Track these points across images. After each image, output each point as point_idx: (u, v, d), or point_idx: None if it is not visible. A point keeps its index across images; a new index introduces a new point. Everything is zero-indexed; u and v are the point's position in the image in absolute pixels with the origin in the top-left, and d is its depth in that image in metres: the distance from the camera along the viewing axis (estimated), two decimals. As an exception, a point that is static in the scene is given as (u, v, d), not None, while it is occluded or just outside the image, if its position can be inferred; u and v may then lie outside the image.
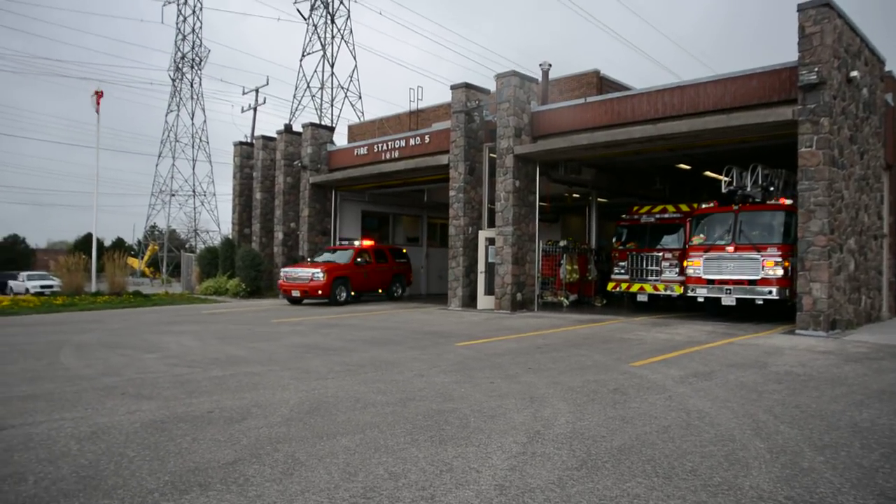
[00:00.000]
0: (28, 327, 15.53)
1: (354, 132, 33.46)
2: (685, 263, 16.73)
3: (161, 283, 55.73)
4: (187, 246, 70.50)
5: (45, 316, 18.73)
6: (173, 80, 74.25)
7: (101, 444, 5.51)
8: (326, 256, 23.32)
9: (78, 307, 20.86)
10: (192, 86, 74.14)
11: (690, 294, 16.32)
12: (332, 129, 28.80)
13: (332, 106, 58.78)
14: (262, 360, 10.06)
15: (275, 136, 29.17)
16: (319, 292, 21.08)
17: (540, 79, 20.02)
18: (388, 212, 30.05)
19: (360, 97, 59.82)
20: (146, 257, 74.62)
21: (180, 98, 74.25)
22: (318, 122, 53.93)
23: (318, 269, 21.31)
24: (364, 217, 29.00)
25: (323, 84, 58.60)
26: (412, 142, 23.14)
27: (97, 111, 26.78)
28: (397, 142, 23.67)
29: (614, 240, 20.16)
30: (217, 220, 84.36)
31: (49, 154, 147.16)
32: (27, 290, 38.73)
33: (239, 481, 4.56)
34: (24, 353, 10.93)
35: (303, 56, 60.10)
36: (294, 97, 60.28)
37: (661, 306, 19.21)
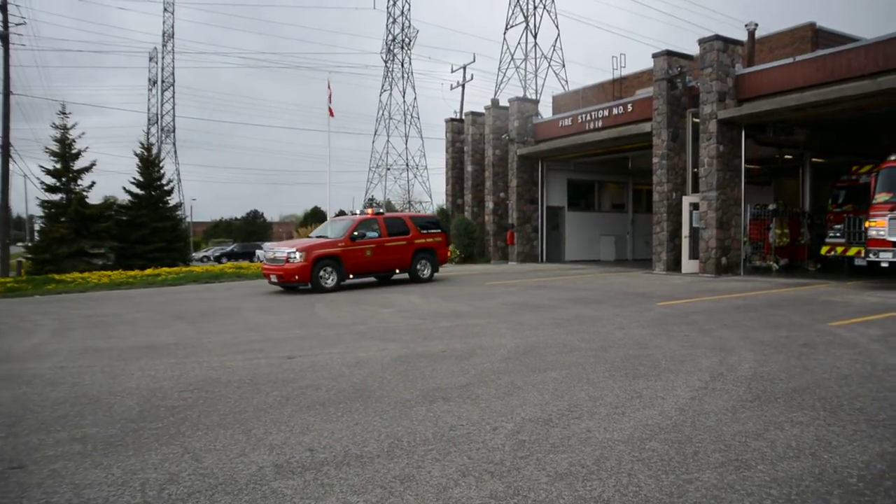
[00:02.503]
0: (281, 288, 18.48)
1: (558, 103, 34.28)
2: (866, 224, 15.55)
3: (381, 251, 60.29)
4: (405, 217, 75.24)
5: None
6: (385, 62, 78.81)
7: (365, 369, 7.20)
8: (321, 230, 19.52)
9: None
10: (402, 66, 78.21)
11: (872, 258, 15.15)
12: (536, 102, 29.93)
13: (535, 76, 59.73)
14: (481, 315, 11.59)
15: (482, 111, 30.83)
16: (296, 277, 16.32)
17: (745, 40, 19.66)
18: (592, 179, 30.74)
19: (564, 65, 60.14)
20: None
21: (392, 78, 78.71)
22: (522, 93, 55.22)
23: (294, 249, 16.61)
24: (570, 185, 29.92)
25: (526, 55, 59.68)
26: (615, 111, 23.63)
27: (329, 104, 29.91)
28: (600, 112, 24.27)
29: (829, 202, 19.43)
30: (429, 191, 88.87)
31: (280, 137, 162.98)
32: (272, 258, 44.17)
33: (472, 397, 5.97)
34: (289, 307, 13.41)
35: (506, 29, 61.49)
36: (499, 70, 61.96)
37: (882, 271, 18.29)
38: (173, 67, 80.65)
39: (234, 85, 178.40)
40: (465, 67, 45.18)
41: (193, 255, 53.58)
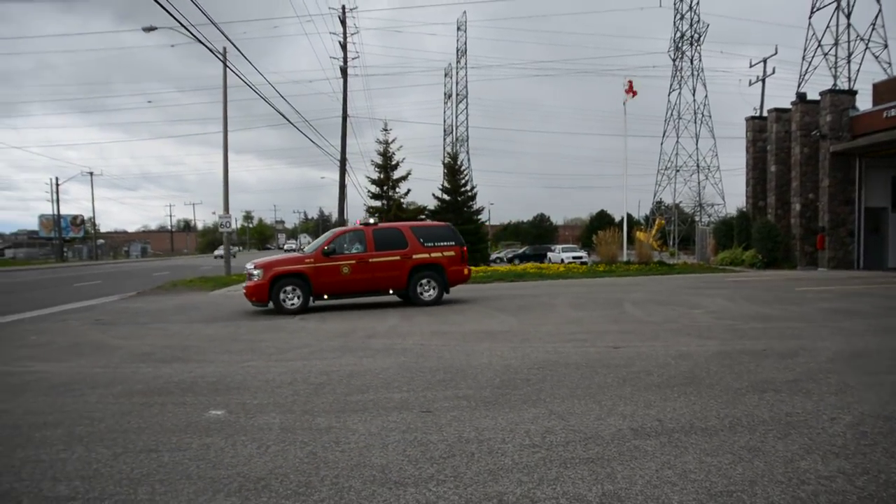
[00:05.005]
0: (584, 287, 19.43)
1: (880, 90, 30.92)
2: None
3: (670, 255, 59.02)
4: (697, 220, 72.66)
5: (593, 279, 22.92)
6: (673, 60, 76.74)
7: (689, 361, 7.74)
8: (313, 244, 17.27)
9: (615, 273, 24.79)
10: (691, 63, 75.63)
11: None
12: (853, 94, 27.55)
13: (848, 62, 54.02)
14: (795, 318, 11.43)
15: (788, 106, 29.10)
16: (254, 297, 14.87)
17: None
18: (924, 176, 27.48)
19: (886, 45, 53.27)
20: (654, 231, 79.28)
21: (681, 77, 76.41)
22: (832, 82, 50.50)
23: (254, 267, 15.08)
24: (895, 183, 27.06)
25: (837, 39, 54.21)
26: (955, 99, 21.03)
27: (626, 101, 30.35)
28: (935, 101, 21.75)
29: None
30: (722, 193, 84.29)
31: (565, 142, 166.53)
32: (562, 260, 45.56)
33: (802, 391, 6.24)
34: (599, 305, 14.31)
35: (812, 12, 56.40)
36: (803, 59, 56.97)
37: None
38: (466, 81, 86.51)
39: (520, 93, 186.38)
40: (765, 61, 42.87)
41: (488, 256, 57.03)
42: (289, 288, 14.80)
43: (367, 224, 16.14)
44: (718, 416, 5.39)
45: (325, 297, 15.22)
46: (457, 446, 4.78)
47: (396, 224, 17.57)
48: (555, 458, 4.46)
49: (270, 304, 14.85)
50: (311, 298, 15.08)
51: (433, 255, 15.78)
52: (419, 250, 15.67)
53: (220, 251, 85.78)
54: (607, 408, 5.71)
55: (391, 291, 15.76)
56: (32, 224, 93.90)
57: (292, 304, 14.76)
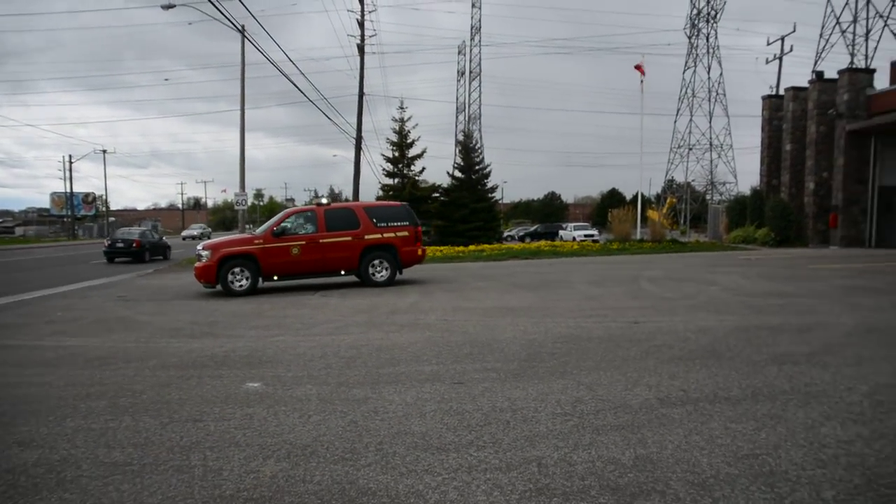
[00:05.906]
0: (600, 265, 19.60)
1: (898, 69, 30.84)
2: None
3: (681, 233, 58.95)
4: (709, 198, 72.50)
5: (607, 257, 23.12)
6: (689, 38, 76.22)
7: (709, 335, 7.94)
8: (265, 226, 16.58)
9: (629, 251, 25.00)
10: (707, 40, 75.11)
11: None
12: (871, 72, 27.41)
13: (866, 40, 53.32)
14: (809, 295, 11.60)
15: (805, 85, 29.00)
16: (202, 279, 14.69)
17: None
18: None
19: (903, 25, 52.62)
20: (665, 209, 79.10)
21: (696, 55, 75.93)
22: (849, 60, 49.96)
23: (203, 248, 14.97)
24: (910, 162, 27.01)
25: (856, 16, 53.54)
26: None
27: (641, 81, 30.37)
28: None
29: None
30: (734, 171, 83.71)
31: (577, 120, 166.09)
32: (574, 238, 45.62)
33: (820, 363, 6.43)
34: (617, 282, 14.50)
35: (831, -10, 55.69)
36: (820, 36, 56.34)
37: None
38: (480, 58, 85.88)
39: (533, 71, 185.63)
40: (782, 38, 42.48)
41: (498, 234, 57.13)
42: (237, 269, 14.49)
43: (319, 204, 15.72)
44: (740, 387, 5.59)
45: (275, 278, 14.91)
46: (492, 415, 5.00)
47: (349, 204, 17.26)
48: (587, 426, 4.68)
49: (219, 287, 14.51)
50: (261, 279, 14.83)
51: (385, 235, 15.32)
52: (371, 231, 15.24)
53: (190, 230, 75.86)
54: (633, 379, 5.92)
55: (343, 273, 15.30)
56: (42, 202, 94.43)
57: (240, 286, 14.43)
